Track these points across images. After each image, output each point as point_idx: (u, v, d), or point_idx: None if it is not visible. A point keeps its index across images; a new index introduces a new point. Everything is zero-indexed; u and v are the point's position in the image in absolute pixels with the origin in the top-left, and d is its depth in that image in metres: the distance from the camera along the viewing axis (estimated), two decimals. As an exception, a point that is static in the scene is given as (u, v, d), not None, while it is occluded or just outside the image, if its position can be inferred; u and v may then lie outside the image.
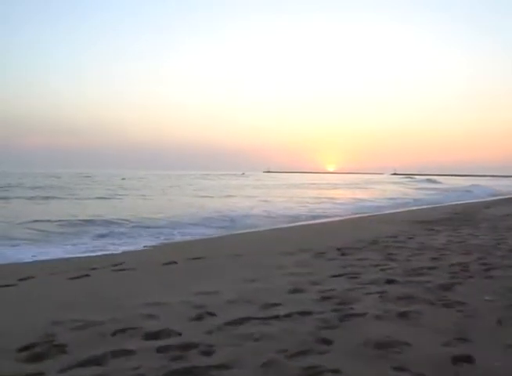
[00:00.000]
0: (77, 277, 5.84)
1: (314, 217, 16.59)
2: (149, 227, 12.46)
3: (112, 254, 8.49)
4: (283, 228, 13.20)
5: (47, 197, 24.67)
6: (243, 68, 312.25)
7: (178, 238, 10.99)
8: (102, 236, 10.96)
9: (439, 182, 62.63)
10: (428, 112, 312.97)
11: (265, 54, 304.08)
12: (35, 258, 8.19)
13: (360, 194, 34.56)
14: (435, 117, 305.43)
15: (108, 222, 13.09)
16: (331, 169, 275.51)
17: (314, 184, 56.38)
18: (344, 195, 33.82)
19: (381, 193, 36.54)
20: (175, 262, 6.91)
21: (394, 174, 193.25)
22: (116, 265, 7.06)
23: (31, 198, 23.82)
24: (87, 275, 5.99)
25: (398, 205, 23.56)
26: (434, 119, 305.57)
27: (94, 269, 6.69)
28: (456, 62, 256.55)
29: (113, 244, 9.74)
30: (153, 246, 9.66)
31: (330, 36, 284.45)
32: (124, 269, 6.49)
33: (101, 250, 9.07)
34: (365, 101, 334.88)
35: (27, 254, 8.54)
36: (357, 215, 17.46)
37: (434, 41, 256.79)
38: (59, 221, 13.14)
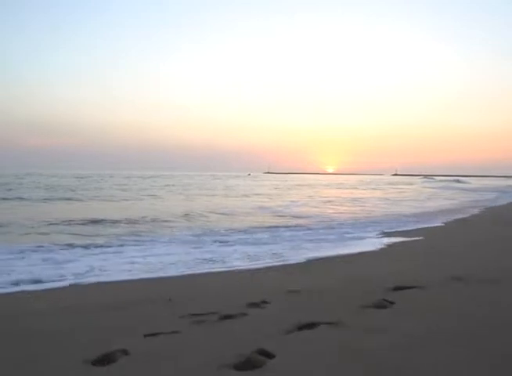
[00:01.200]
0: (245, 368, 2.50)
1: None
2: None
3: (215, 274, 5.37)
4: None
5: (69, 199, 21.18)
6: (243, 68, 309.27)
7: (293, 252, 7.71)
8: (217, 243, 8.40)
9: (467, 183, 58.88)
10: (428, 112, 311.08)
11: (266, 54, 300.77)
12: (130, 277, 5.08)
13: (394, 194, 31.79)
14: (435, 116, 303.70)
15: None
16: (330, 170, 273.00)
17: (333, 184, 53.59)
18: (382, 195, 30.92)
19: (415, 194, 33.71)
20: (391, 302, 3.77)
21: (395, 174, 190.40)
22: (254, 305, 3.95)
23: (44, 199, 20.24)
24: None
25: (471, 204, 21.05)
26: (434, 119, 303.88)
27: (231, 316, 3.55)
28: (456, 62, 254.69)
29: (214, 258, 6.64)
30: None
31: (330, 36, 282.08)
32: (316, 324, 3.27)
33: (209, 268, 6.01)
34: (363, 100, 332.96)
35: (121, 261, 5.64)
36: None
37: (434, 41, 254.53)
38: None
